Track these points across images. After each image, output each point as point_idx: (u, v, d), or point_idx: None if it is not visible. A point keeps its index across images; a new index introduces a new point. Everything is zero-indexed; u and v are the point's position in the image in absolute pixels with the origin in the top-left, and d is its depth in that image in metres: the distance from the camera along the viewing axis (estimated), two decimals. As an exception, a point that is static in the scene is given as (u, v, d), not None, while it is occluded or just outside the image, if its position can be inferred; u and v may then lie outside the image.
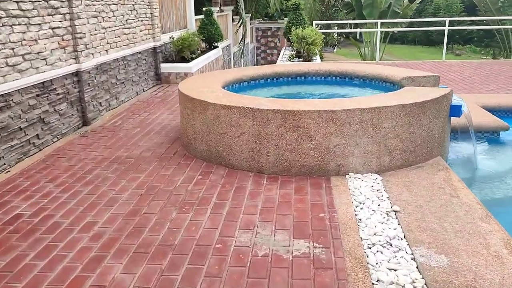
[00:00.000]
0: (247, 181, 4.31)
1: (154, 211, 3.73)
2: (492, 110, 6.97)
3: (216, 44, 12.41)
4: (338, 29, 20.80)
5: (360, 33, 21.35)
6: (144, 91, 8.83)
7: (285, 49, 12.29)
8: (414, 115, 4.42)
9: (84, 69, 6.25)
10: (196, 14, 12.58)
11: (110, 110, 7.26)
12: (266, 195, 3.97)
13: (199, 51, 10.80)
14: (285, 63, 9.59)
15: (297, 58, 9.95)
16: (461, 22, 30.90)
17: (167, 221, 3.55)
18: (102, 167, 4.78)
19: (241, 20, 15.20)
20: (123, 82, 7.75)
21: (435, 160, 4.71)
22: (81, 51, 6.17)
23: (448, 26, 12.37)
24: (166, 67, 9.68)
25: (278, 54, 26.26)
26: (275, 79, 6.80)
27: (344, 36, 25.69)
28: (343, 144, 4.29)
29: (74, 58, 6.11)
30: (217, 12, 14.04)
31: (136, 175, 4.53)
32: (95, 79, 6.63)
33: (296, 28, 10.03)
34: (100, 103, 6.83)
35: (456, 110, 4.98)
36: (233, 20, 17.82)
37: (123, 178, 4.45)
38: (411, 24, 20.50)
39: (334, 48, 30.47)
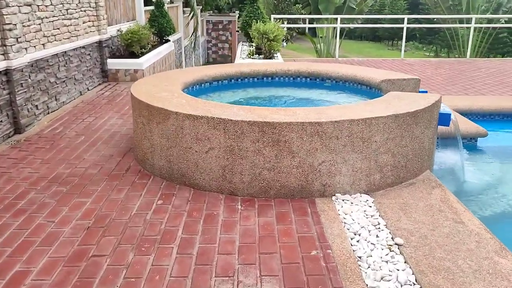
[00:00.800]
0: (218, 206, 3.62)
1: (105, 253, 2.96)
2: (464, 114, 6.63)
3: (167, 38, 11.53)
4: (292, 23, 20.32)
5: (315, 28, 20.99)
6: (88, 90, 7.87)
7: (242, 44, 11.60)
8: (407, 126, 3.89)
9: (16, 67, 5.29)
10: (145, 5, 11.62)
11: (48, 113, 6.30)
12: (243, 226, 3.30)
13: (149, 46, 9.91)
14: (246, 60, 8.91)
15: (257, 55, 9.30)
16: (411, 20, 31.37)
17: (122, 268, 2.80)
18: (38, 189, 3.92)
19: (192, 12, 14.34)
20: (64, 81, 6.78)
21: (425, 175, 4.21)
22: (11, 45, 5.20)
23: (394, 24, 12.14)
24: (113, 63, 8.74)
25: (230, 48, 25.56)
26: (239, 79, 6.12)
27: (297, 30, 25.34)
28: (330, 161, 3.68)
29: (2, 54, 5.14)
30: (167, 4, 13.11)
31: (81, 200, 3.72)
32: (29, 78, 5.67)
33: (257, 22, 9.36)
34: (36, 106, 5.87)
35: (445, 119, 4.52)
36: (184, 12, 16.90)
37: (64, 205, 3.63)
38: (366, 21, 20.37)
39: (285, 43, 30.10)
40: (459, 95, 7.68)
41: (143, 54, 9.25)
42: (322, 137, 3.62)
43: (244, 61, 8.89)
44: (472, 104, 6.99)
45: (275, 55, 9.10)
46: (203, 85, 5.74)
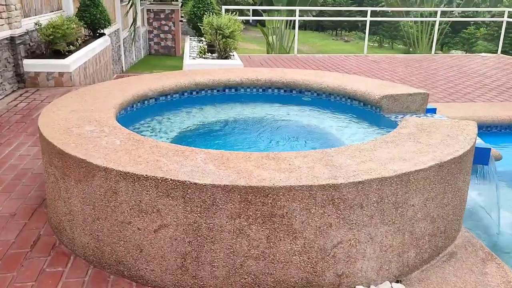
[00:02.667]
0: (177, 323, 2.24)
1: None
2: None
3: (102, 31, 9.80)
4: (241, 15, 18.90)
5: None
6: (-4, 101, 6.15)
7: (190, 39, 10.09)
8: (452, 178, 2.68)
9: None
10: (74, -9, 9.81)
11: None
12: None
13: (79, 42, 8.21)
14: (197, 61, 7.45)
15: (209, 54, 7.89)
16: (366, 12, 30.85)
17: None
18: None
19: (131, 0, 12.58)
20: (-44, 94, 5.07)
21: (464, 238, 3.04)
22: None
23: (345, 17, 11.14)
24: (32, 65, 7.01)
25: (173, 40, 23.74)
26: (194, 93, 4.70)
27: (244, 22, 23.92)
28: (349, 240, 2.40)
29: None
30: (101, -10, 11.29)
31: None
32: None
33: (208, 15, 7.91)
34: None
35: (483, 155, 3.38)
36: (121, 0, 15.04)
37: None
38: (321, 12, 19.34)
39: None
40: (448, 103, 6.66)
41: (70, 52, 7.56)
42: (339, 207, 2.33)
43: (195, 62, 7.43)
44: (466, 114, 5.95)
45: (231, 54, 7.71)
46: (146, 102, 4.28)
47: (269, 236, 2.33)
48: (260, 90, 4.89)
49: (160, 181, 2.31)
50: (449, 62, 10.32)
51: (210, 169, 2.41)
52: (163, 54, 22.25)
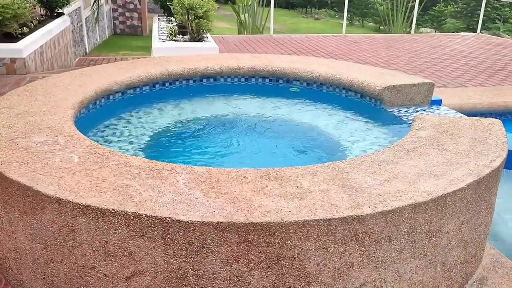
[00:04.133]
0: None
1: None
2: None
3: (60, 10, 8.93)
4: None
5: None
6: None
7: (158, 19, 9.32)
8: (487, 194, 2.22)
9: None
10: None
11: None
12: None
13: (34, 23, 7.38)
14: (168, 44, 6.77)
15: (181, 36, 7.22)
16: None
17: None
18: None
19: (93, -23, 11.64)
20: None
21: (492, 257, 2.62)
22: None
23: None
24: (-22, 50, 6.21)
25: (140, 19, 22.64)
26: (167, 84, 4.09)
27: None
28: (374, 281, 1.91)
29: None
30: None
31: None
32: None
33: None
34: None
35: None
36: (82, -24, 13.98)
37: None
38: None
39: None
40: (440, 88, 6.25)
41: (24, 35, 6.75)
42: (363, 243, 1.83)
43: (165, 45, 6.75)
44: (461, 101, 5.56)
45: (204, 36, 7.06)
46: (111, 98, 3.66)
47: (275, 283, 1.81)
48: (242, 79, 4.33)
49: (132, 217, 1.75)
50: (431, 42, 9.95)
51: (196, 197, 1.86)
52: (129, 34, 21.15)
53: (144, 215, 1.74)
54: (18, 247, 2.12)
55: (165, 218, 1.73)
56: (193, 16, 6.69)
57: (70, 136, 2.45)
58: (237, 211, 1.77)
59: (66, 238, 1.90)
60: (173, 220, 1.73)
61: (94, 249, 1.86)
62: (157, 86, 4.02)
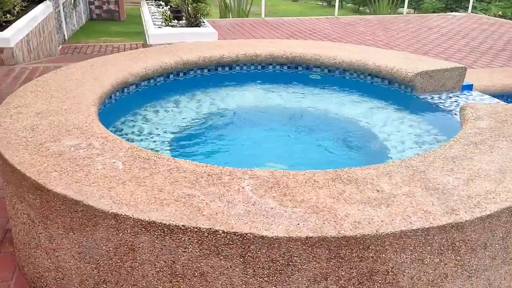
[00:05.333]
0: None
1: None
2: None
3: (42, -4, 8.45)
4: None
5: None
6: None
7: (147, 3, 8.90)
8: None
9: None
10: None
11: None
12: None
13: (16, 9, 6.94)
14: (164, 30, 6.44)
15: (176, 21, 6.89)
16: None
17: None
18: None
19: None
20: None
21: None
22: None
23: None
24: (-39, 40, 5.79)
25: (117, 3, 21.93)
26: (182, 74, 3.84)
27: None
28: (465, 290, 1.75)
29: None
30: None
31: None
32: None
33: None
34: None
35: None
36: (59, -42, 13.35)
37: None
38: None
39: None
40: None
41: (9, 23, 6.34)
42: (459, 252, 1.66)
43: (162, 31, 6.42)
44: (472, 82, 5.43)
45: (202, 21, 6.75)
46: (126, 90, 3.39)
47: (366, 300, 1.63)
48: (259, 67, 4.09)
49: (206, 234, 1.54)
50: (425, 23, 9.82)
51: (272, 207, 1.65)
52: (105, 19, 20.46)
53: (220, 232, 1.53)
54: (61, 266, 1.88)
55: (246, 234, 1.52)
56: (190, 0, 6.36)
57: (104, 138, 2.19)
58: (324, 223, 1.57)
59: (124, 258, 1.68)
60: (255, 236, 1.52)
61: (158, 269, 1.64)
62: (170, 76, 3.76)
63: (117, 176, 1.84)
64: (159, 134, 3.10)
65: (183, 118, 3.34)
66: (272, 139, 3.31)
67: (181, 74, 3.83)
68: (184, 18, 6.89)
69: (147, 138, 3.02)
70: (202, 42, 4.33)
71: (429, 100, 3.41)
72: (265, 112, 3.65)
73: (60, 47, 10.20)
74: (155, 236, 1.59)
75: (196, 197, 1.71)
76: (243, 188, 1.78)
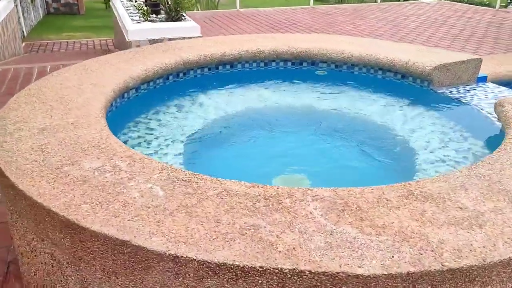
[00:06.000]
0: None
1: None
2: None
3: (3, -9, 7.86)
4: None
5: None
6: None
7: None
8: None
9: None
10: None
11: None
12: None
13: (-21, 6, 6.40)
14: (144, 25, 6.05)
15: (154, 15, 6.51)
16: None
17: None
18: None
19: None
20: None
21: None
22: None
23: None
24: None
25: (77, -5, 21.02)
26: (182, 75, 3.55)
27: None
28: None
29: None
30: None
31: None
32: None
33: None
34: None
35: None
36: (14, -50, 12.55)
37: None
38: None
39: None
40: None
41: (-29, 21, 5.82)
42: (560, 273, 1.48)
43: (142, 27, 6.04)
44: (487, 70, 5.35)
45: (183, 15, 6.40)
46: (126, 96, 3.07)
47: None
48: (262, 64, 3.84)
49: (289, 275, 1.30)
50: (401, 11, 9.79)
51: (353, 236, 1.43)
52: (64, 13, 19.62)
53: (307, 272, 1.30)
54: (97, 314, 1.60)
55: (338, 273, 1.29)
56: (171, -7, 6.01)
57: (129, 157, 1.91)
58: (420, 254, 1.36)
59: (183, 305, 1.42)
60: (349, 276, 1.29)
61: (226, 317, 1.40)
62: (170, 78, 3.46)
63: (161, 205, 1.58)
64: (168, 145, 2.82)
65: (191, 125, 3.07)
66: (287, 144, 3.08)
67: (180, 75, 3.54)
68: (163, 12, 6.52)
69: (157, 151, 2.73)
70: (199, 39, 4.03)
71: (449, 95, 3.26)
72: (274, 113, 3.41)
73: (24, 44, 9.59)
74: (225, 280, 1.34)
75: (262, 228, 1.47)
76: (310, 213, 1.55)
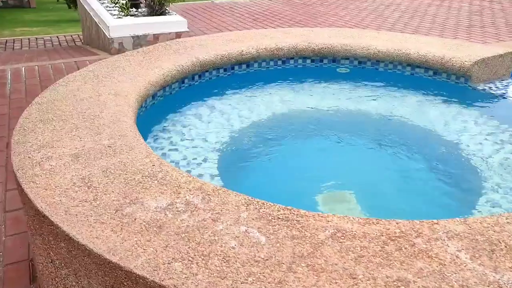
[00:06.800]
0: None
1: None
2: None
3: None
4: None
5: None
6: None
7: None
8: None
9: None
10: None
11: None
12: None
13: None
14: (125, 20, 5.57)
15: (134, 9, 6.02)
16: None
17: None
18: None
19: None
20: None
21: None
22: None
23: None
24: None
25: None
26: (198, 78, 3.18)
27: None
28: None
29: None
30: None
31: None
32: None
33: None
34: None
35: None
36: None
37: None
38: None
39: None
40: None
41: None
42: None
43: (124, 22, 5.56)
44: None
45: (167, 9, 5.96)
46: (143, 105, 2.69)
47: None
48: (279, 62, 3.52)
49: None
50: (378, 0, 9.65)
51: (526, 286, 1.16)
52: (14, 7, 18.51)
53: None
54: None
55: None
56: (155, -15, 5.56)
57: (198, 189, 1.56)
58: None
59: None
60: None
61: None
62: (185, 81, 3.09)
63: (272, 257, 1.25)
64: (195, 159, 2.47)
65: (216, 137, 2.72)
66: (321, 153, 2.79)
67: (195, 78, 3.17)
68: (143, 5, 6.06)
69: (193, 169, 2.38)
70: (210, 35, 3.65)
71: (491, 91, 3.06)
72: (301, 119, 3.11)
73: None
74: None
75: (412, 283, 1.17)
76: (457, 257, 1.27)
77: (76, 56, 6.08)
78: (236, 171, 2.53)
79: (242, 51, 3.31)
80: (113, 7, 6.35)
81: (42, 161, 1.72)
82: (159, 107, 2.83)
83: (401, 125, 2.99)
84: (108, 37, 5.50)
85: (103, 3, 6.67)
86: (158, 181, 1.61)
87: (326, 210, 2.28)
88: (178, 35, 5.80)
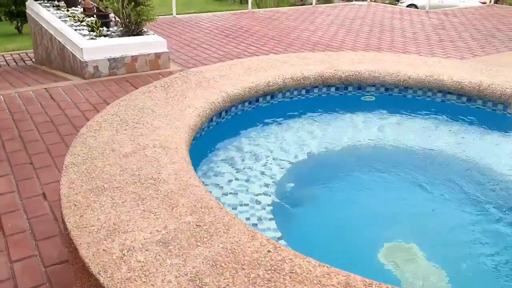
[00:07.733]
0: None
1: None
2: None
3: None
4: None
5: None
6: None
7: (42, 5, 7.04)
8: None
9: None
10: None
11: None
12: None
13: None
14: (99, 42, 5.05)
15: (105, 28, 5.49)
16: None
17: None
18: None
19: None
20: None
21: None
22: None
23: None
24: None
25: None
26: (225, 115, 2.84)
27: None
28: None
29: None
30: None
31: None
32: None
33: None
34: None
35: None
36: None
37: None
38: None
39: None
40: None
41: None
42: None
43: (98, 44, 5.04)
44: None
45: (144, 29, 5.49)
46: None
47: None
48: (303, 91, 3.25)
49: None
50: (341, 14, 9.68)
51: None
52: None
53: None
54: None
55: None
56: (132, 3, 5.10)
57: (345, 286, 1.24)
58: None
59: None
60: None
61: None
62: (214, 121, 2.74)
63: None
64: (243, 203, 2.13)
65: (260, 180, 2.39)
66: (376, 197, 2.54)
67: (222, 117, 2.82)
68: (115, 24, 5.56)
69: (238, 209, 2.04)
70: (225, 63, 3.29)
71: (530, 119, 2.95)
72: (340, 156, 2.85)
73: None
74: None
75: None
76: None
77: (41, 81, 5.46)
78: (293, 209, 2.21)
79: (269, 81, 2.99)
80: (78, 25, 5.78)
81: (124, 255, 1.33)
82: (196, 146, 2.45)
83: (442, 156, 2.80)
84: (82, 60, 4.97)
85: (65, 20, 6.07)
86: (290, 277, 1.27)
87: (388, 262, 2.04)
88: (158, 56, 5.37)
